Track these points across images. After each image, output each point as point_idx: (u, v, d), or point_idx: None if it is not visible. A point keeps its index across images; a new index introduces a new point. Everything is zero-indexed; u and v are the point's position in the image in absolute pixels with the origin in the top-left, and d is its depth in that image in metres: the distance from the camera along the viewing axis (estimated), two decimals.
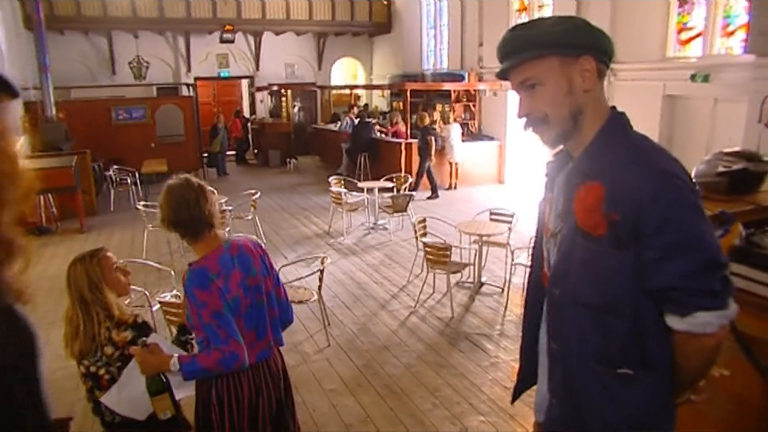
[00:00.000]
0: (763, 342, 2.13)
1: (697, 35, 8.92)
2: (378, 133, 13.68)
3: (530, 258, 1.83)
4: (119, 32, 17.13)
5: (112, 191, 11.98)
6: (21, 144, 9.87)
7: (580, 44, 1.43)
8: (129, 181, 12.12)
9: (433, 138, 11.66)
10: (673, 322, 1.40)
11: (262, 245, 2.55)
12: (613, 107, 1.52)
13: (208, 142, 15.52)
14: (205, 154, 15.60)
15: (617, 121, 1.49)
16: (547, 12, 12.05)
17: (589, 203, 1.42)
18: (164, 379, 2.21)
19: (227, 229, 8.08)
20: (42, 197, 9.72)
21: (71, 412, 4.25)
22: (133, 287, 3.58)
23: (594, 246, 1.43)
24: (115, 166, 12.30)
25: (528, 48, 1.44)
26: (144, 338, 2.33)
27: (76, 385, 4.72)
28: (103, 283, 2.42)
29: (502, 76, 1.53)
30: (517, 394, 1.92)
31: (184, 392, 2.38)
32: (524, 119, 1.53)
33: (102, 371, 2.39)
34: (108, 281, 2.45)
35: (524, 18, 12.79)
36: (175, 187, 2.26)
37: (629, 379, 1.47)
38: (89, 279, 2.40)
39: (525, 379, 1.88)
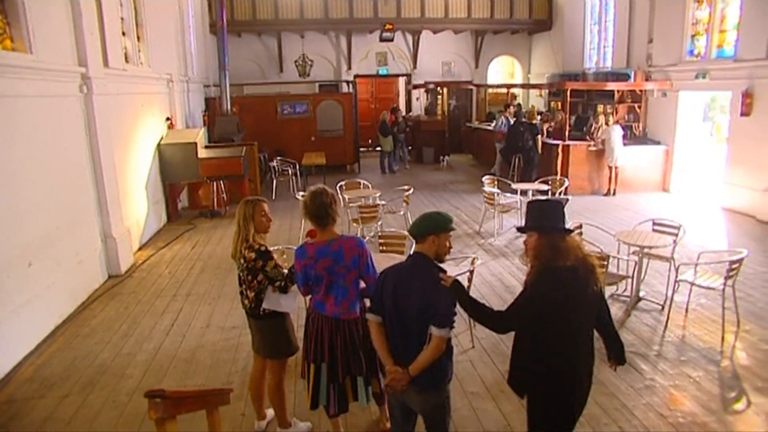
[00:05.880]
0: None
1: None
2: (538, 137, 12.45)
3: None
4: (288, 33, 18.34)
5: (275, 180, 12.87)
6: (201, 135, 10.90)
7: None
8: (290, 171, 12.91)
9: None
10: None
11: (365, 246, 3.44)
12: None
13: (377, 137, 15.97)
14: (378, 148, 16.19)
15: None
16: (735, 4, 10.84)
17: None
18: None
19: (379, 222, 8.28)
20: (214, 183, 10.69)
21: (228, 383, 4.58)
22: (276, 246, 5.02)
23: None
24: (278, 158, 13.22)
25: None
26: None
27: (233, 357, 5.12)
28: (251, 219, 3.64)
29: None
30: None
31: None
32: None
33: (238, 271, 3.78)
34: (255, 220, 3.65)
35: (705, 10, 11.62)
36: (317, 192, 3.41)
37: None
38: (244, 214, 3.65)
39: None
